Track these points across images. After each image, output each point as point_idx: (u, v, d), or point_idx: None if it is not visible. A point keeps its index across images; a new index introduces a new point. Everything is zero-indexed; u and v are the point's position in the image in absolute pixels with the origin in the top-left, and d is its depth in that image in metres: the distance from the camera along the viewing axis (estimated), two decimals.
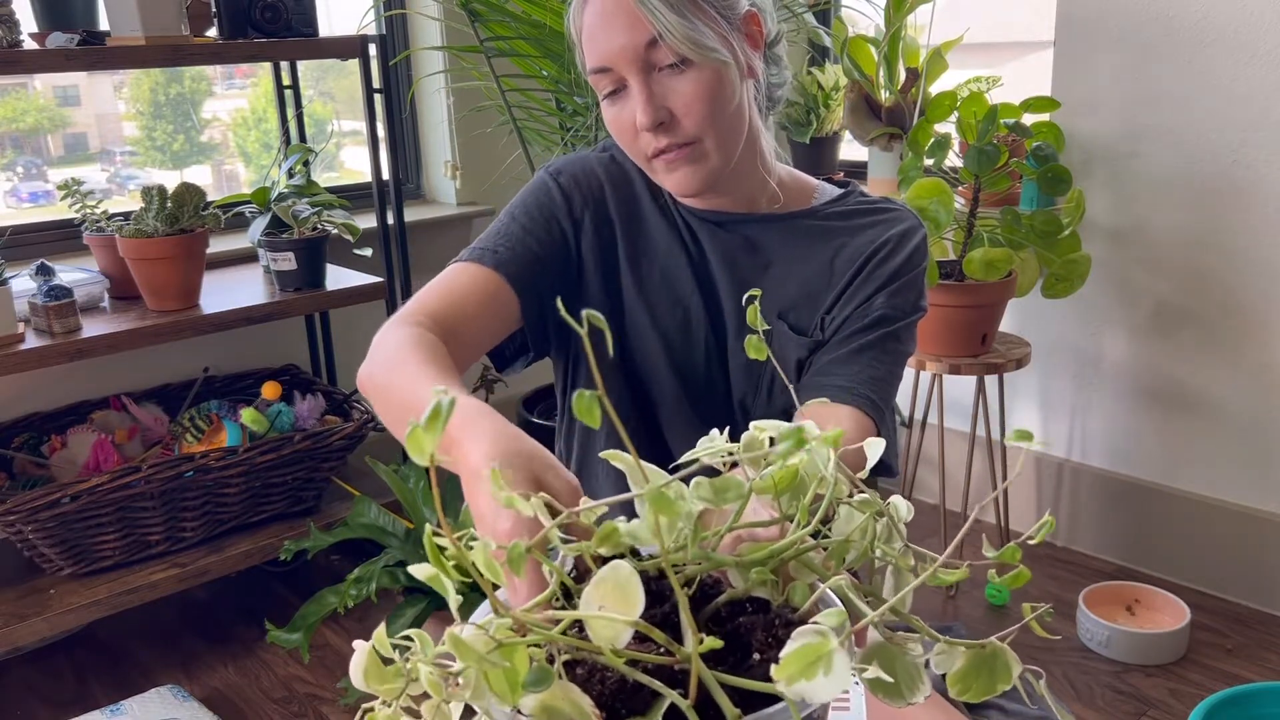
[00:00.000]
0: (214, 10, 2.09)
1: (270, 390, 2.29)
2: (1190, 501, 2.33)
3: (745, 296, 1.11)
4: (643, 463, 0.56)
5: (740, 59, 1.05)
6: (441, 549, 0.51)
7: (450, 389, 0.83)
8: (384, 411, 0.93)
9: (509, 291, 1.07)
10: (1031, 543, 0.54)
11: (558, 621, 0.51)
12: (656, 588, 0.57)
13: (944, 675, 0.55)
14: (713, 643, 0.49)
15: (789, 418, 1.05)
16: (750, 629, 0.56)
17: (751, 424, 0.61)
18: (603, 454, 0.61)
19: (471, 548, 0.51)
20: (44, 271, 1.99)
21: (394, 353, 0.93)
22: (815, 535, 0.59)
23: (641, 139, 1.06)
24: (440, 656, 0.50)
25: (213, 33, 2.12)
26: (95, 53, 1.92)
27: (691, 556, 0.56)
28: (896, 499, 0.60)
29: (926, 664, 0.54)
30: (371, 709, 0.51)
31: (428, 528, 0.49)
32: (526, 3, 2.15)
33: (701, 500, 0.56)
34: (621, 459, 0.59)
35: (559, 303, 0.57)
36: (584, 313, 0.49)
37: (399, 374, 0.91)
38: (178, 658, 2.21)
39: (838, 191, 1.20)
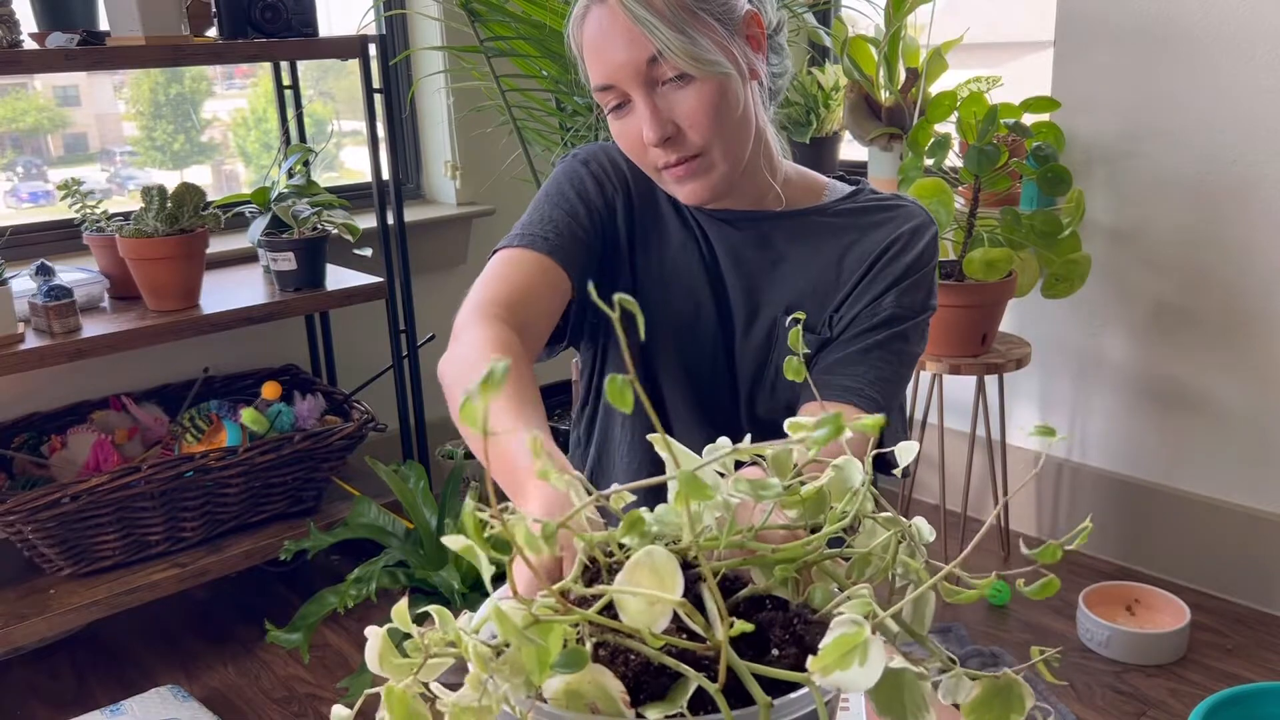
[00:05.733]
0: (214, 10, 2.09)
1: (270, 390, 2.29)
2: (1190, 501, 2.33)
3: (789, 319, 1.11)
4: (678, 447, 0.57)
5: (742, 65, 1.05)
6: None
7: (535, 431, 0.84)
8: (453, 414, 0.94)
9: (564, 277, 1.08)
10: (1070, 548, 0.54)
11: (589, 603, 0.51)
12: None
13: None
14: (743, 625, 0.49)
15: (793, 412, 1.05)
16: (770, 624, 0.56)
17: (787, 422, 0.61)
18: (650, 436, 0.61)
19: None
20: (44, 271, 1.99)
21: (471, 356, 0.94)
22: (838, 544, 0.59)
23: (650, 153, 1.06)
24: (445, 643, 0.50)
25: (213, 33, 2.12)
26: (95, 53, 1.92)
27: (724, 546, 0.56)
28: (919, 521, 0.60)
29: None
30: (381, 690, 0.51)
31: (467, 503, 0.49)
32: (526, 3, 2.15)
33: (740, 494, 0.56)
34: (667, 445, 0.59)
35: (590, 287, 0.58)
36: (615, 296, 0.50)
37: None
38: (178, 658, 2.21)
39: (848, 189, 1.20)
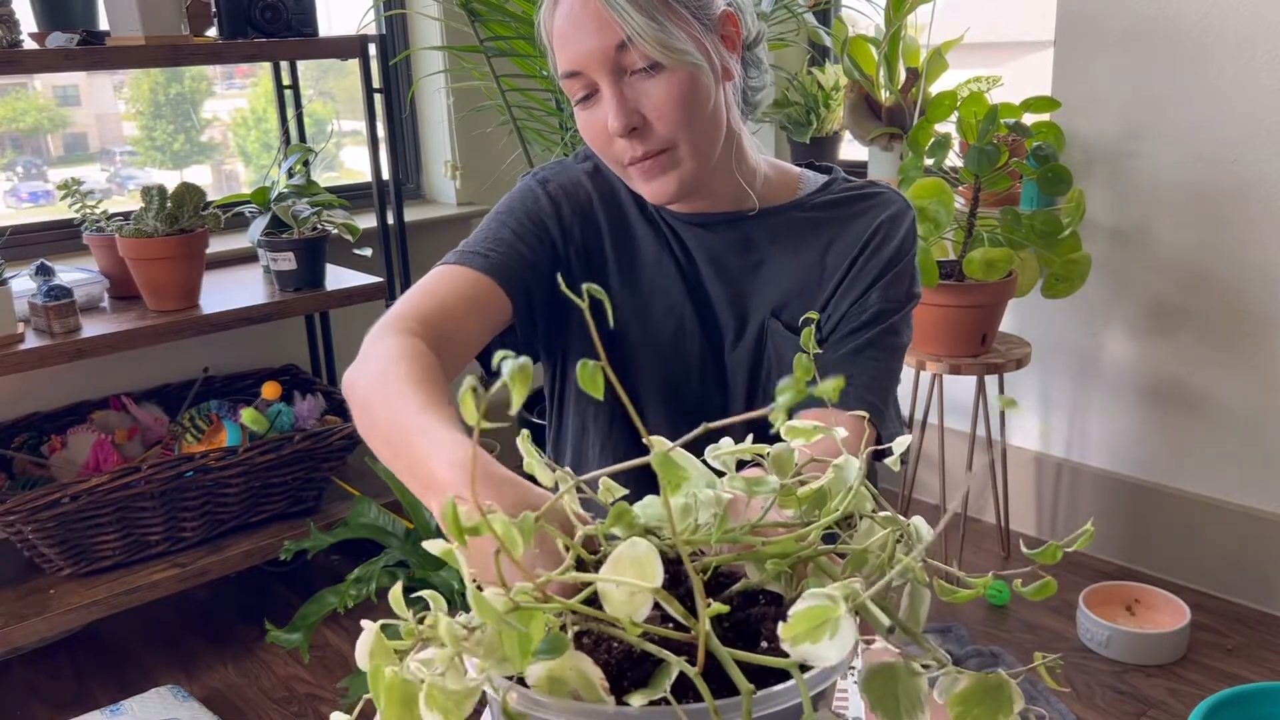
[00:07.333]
0: (214, 10, 2.09)
1: (270, 390, 2.29)
2: (1190, 501, 2.33)
3: (802, 319, 1.09)
4: (666, 442, 0.57)
5: (715, 61, 1.03)
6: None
7: (436, 417, 0.80)
8: (361, 423, 0.90)
9: (502, 296, 1.05)
10: (1070, 549, 0.54)
11: (575, 591, 0.51)
12: (670, 572, 0.57)
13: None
14: (719, 608, 0.49)
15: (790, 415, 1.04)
16: (760, 618, 0.56)
17: (783, 426, 0.61)
18: (646, 440, 0.60)
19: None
20: (44, 271, 1.99)
21: (381, 366, 0.91)
22: (833, 541, 0.59)
23: (615, 145, 1.03)
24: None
25: (212, 32, 2.12)
26: (95, 52, 1.92)
27: (716, 540, 0.56)
28: (918, 520, 0.60)
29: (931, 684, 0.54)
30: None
31: (449, 495, 0.49)
32: (526, 3, 2.15)
33: (735, 489, 0.56)
34: (656, 440, 0.59)
35: (559, 278, 0.57)
36: (585, 286, 0.49)
37: (382, 390, 0.88)
38: (178, 658, 2.21)
39: (822, 179, 1.18)
